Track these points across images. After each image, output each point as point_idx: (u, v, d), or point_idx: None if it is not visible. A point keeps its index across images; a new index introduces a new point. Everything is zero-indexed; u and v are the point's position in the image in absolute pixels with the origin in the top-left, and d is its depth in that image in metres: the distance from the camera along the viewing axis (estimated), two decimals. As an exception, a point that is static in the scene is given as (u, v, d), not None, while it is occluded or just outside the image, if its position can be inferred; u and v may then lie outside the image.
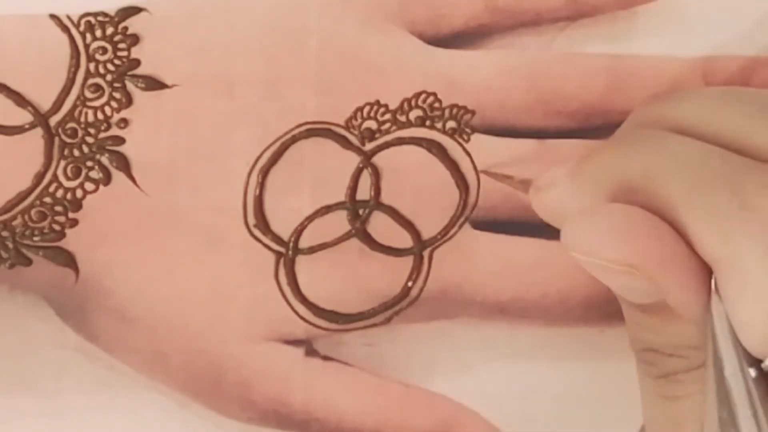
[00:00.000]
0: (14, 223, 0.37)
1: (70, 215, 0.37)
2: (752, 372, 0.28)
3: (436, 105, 0.38)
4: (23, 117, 0.37)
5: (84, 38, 0.37)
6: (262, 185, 0.38)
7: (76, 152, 0.37)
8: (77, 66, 0.37)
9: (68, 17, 0.37)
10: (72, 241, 0.37)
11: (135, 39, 0.38)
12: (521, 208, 0.39)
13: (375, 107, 0.38)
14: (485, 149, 0.39)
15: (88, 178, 0.37)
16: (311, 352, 0.39)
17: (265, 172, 0.38)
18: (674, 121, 0.32)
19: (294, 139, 0.38)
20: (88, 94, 0.37)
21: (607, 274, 0.29)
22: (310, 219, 0.38)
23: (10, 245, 0.37)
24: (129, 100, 0.37)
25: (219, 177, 0.38)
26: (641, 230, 0.29)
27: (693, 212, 0.29)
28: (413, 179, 0.38)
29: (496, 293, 0.39)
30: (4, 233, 0.37)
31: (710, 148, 0.30)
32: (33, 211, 0.37)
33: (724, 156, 0.30)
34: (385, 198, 0.38)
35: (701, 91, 0.33)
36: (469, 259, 0.39)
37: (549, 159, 0.39)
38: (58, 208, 0.37)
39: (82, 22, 0.37)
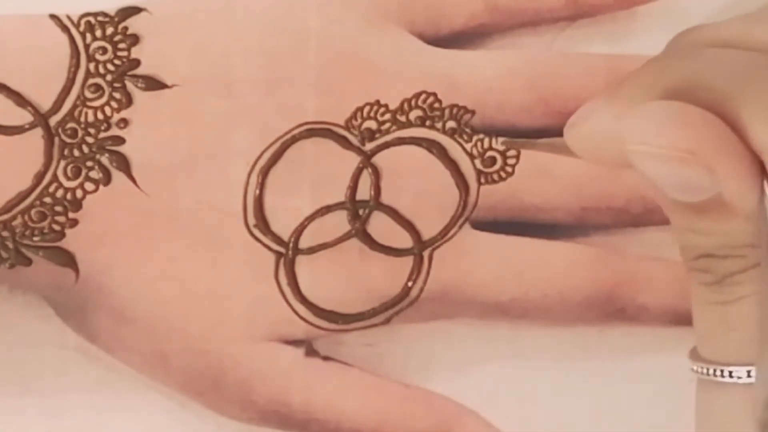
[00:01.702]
0: (14, 223, 0.37)
1: (70, 215, 0.37)
2: None
3: (436, 105, 0.38)
4: (23, 117, 0.37)
5: (84, 38, 0.37)
6: (262, 185, 0.38)
7: (76, 152, 0.37)
8: (77, 66, 0.37)
9: (68, 17, 0.37)
10: (72, 241, 0.37)
11: (135, 39, 0.38)
12: (521, 208, 0.39)
13: (375, 107, 0.38)
14: None
15: (88, 178, 0.37)
16: (311, 352, 0.39)
17: (265, 172, 0.38)
18: (712, 39, 0.31)
19: (294, 139, 0.38)
20: (88, 94, 0.37)
21: (665, 165, 0.28)
22: (310, 219, 0.38)
23: (10, 245, 0.37)
24: (129, 100, 0.37)
25: (219, 177, 0.38)
26: (697, 119, 0.28)
27: (744, 104, 0.28)
28: (413, 179, 0.38)
29: (496, 293, 0.39)
30: (4, 233, 0.37)
31: (755, 53, 0.30)
32: (33, 211, 0.37)
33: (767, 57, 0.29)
34: (385, 198, 0.38)
35: (732, 18, 0.32)
36: (469, 259, 0.39)
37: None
38: (58, 208, 0.37)
39: (82, 22, 0.37)
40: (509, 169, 0.39)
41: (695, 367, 0.31)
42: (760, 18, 0.31)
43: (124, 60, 0.38)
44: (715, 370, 0.30)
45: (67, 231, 0.37)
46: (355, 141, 0.38)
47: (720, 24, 0.32)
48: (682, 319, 0.39)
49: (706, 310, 0.30)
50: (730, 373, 0.30)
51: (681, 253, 0.31)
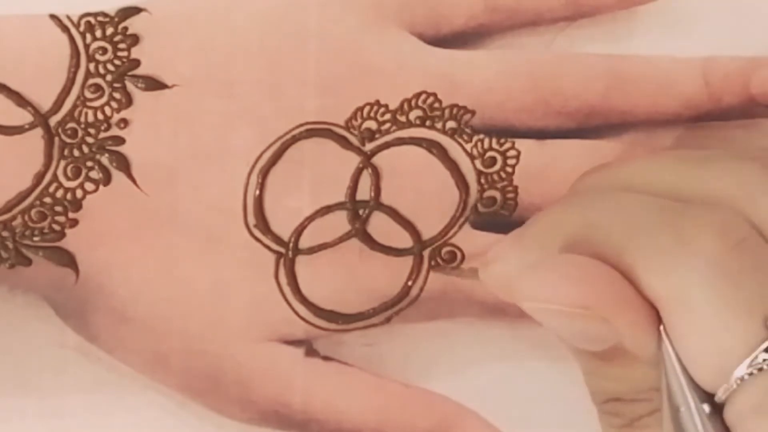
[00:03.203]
0: (14, 223, 0.37)
1: (70, 215, 0.37)
2: (706, 408, 0.28)
3: (436, 105, 0.38)
4: (23, 117, 0.37)
5: (84, 38, 0.37)
6: (262, 185, 0.38)
7: (76, 152, 0.37)
8: (77, 66, 0.37)
9: (68, 17, 0.37)
10: (72, 241, 0.37)
11: (135, 39, 0.38)
12: (521, 208, 0.39)
13: (375, 107, 0.38)
14: None
15: (88, 178, 0.37)
16: (311, 352, 0.39)
17: (265, 173, 0.38)
18: (613, 183, 0.33)
19: (294, 139, 0.38)
20: (88, 95, 0.37)
21: (563, 320, 0.30)
22: (310, 219, 0.38)
23: (10, 245, 0.37)
24: (129, 101, 0.37)
25: (219, 177, 0.38)
26: (592, 274, 0.30)
27: (637, 254, 0.29)
28: (413, 179, 0.38)
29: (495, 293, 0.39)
30: (4, 233, 0.37)
31: (649, 197, 0.31)
32: (33, 211, 0.37)
33: (662, 202, 0.30)
34: (385, 198, 0.38)
35: (637, 159, 0.34)
36: (469, 259, 0.39)
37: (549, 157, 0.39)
38: (58, 208, 0.37)
39: (82, 22, 0.37)
40: (509, 170, 0.39)
41: None
42: (661, 163, 0.32)
43: (124, 60, 0.38)
44: None
45: (67, 231, 0.37)
46: (355, 141, 0.38)
47: (621, 167, 0.33)
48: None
49: None
50: None
51: (591, 397, 0.32)
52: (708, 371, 0.28)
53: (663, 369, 0.29)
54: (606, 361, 0.31)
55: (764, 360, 0.27)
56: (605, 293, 0.29)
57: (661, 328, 0.29)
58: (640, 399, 0.31)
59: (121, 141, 0.37)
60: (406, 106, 0.38)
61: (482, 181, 0.39)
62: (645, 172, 0.32)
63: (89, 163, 0.37)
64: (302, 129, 0.38)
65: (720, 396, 0.28)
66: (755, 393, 0.28)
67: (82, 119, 0.37)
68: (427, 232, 0.39)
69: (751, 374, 0.28)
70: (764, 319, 0.28)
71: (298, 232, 0.38)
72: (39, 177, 0.37)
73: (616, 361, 0.30)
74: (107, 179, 0.37)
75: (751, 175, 0.30)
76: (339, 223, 0.38)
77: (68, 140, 0.37)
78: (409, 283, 0.39)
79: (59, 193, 0.37)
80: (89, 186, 0.37)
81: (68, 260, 0.37)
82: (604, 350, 0.30)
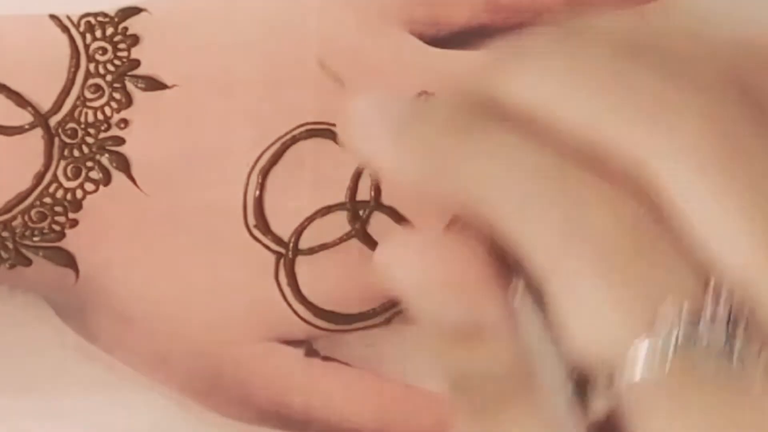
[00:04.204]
0: (14, 223, 0.37)
1: (70, 215, 0.37)
2: (570, 388, 0.27)
3: (436, 105, 0.38)
4: (23, 117, 0.37)
5: (84, 38, 0.37)
6: (262, 186, 0.38)
7: (76, 152, 0.37)
8: (77, 66, 0.37)
9: (68, 17, 0.37)
10: (72, 241, 0.37)
11: (135, 39, 0.38)
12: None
13: (375, 107, 0.38)
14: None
15: (88, 179, 0.37)
16: (311, 352, 0.39)
17: (265, 173, 0.38)
18: (512, 107, 0.28)
19: (294, 140, 0.38)
20: (88, 95, 0.37)
21: (420, 294, 0.28)
22: (310, 219, 0.38)
23: (10, 245, 0.37)
24: (129, 101, 0.37)
25: (219, 177, 0.38)
26: (454, 253, 0.28)
27: (524, 227, 0.27)
28: (413, 179, 0.38)
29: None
30: (4, 233, 0.37)
31: (546, 160, 0.27)
32: (33, 212, 0.37)
33: (560, 170, 0.27)
34: (386, 198, 0.38)
35: (545, 60, 0.28)
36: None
37: None
38: (58, 209, 0.37)
39: (82, 22, 0.37)
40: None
41: None
42: (578, 81, 0.27)
43: (124, 60, 0.38)
44: None
45: (67, 231, 0.37)
46: (355, 141, 0.38)
47: (526, 81, 0.27)
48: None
49: None
50: None
51: (443, 381, 0.30)
52: (587, 351, 0.26)
53: (528, 349, 0.28)
54: (462, 342, 0.29)
55: (659, 341, 0.26)
56: (466, 271, 0.28)
57: (532, 307, 0.28)
58: (494, 381, 0.28)
59: (121, 141, 0.37)
60: (406, 107, 0.38)
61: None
62: (557, 100, 0.27)
63: (89, 163, 0.37)
64: (302, 129, 0.38)
65: (603, 380, 0.27)
66: (647, 371, 0.26)
67: (82, 119, 0.37)
68: (427, 232, 0.39)
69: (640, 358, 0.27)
70: (656, 302, 0.27)
71: (298, 232, 0.38)
72: (39, 177, 0.37)
73: (472, 341, 0.29)
74: (107, 179, 0.37)
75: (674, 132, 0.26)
76: (339, 223, 0.38)
77: (68, 140, 0.37)
78: (409, 283, 0.39)
79: (59, 194, 0.37)
80: (89, 186, 0.37)
81: (68, 260, 0.37)
82: (458, 329, 0.28)
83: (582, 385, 0.27)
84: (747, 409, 0.25)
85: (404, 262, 0.28)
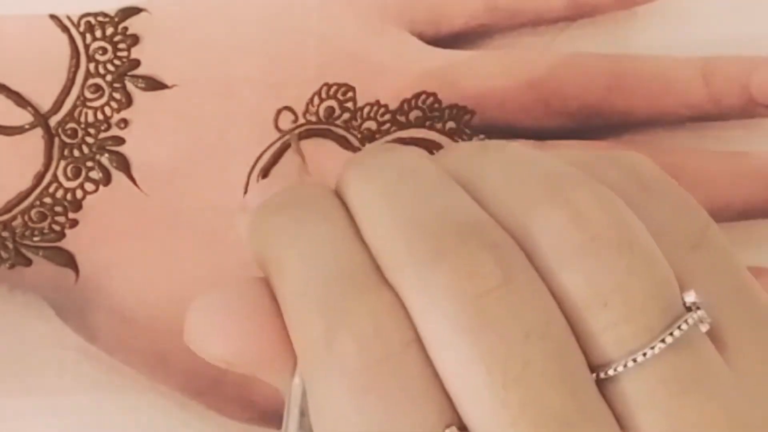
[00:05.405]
0: (14, 223, 0.37)
1: (70, 215, 0.37)
2: None
3: (436, 105, 0.38)
4: (23, 117, 0.37)
5: (84, 38, 0.37)
6: (262, 185, 0.38)
7: (76, 152, 0.37)
8: (77, 66, 0.37)
9: (68, 17, 0.37)
10: (72, 241, 0.37)
11: (135, 39, 0.38)
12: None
13: (375, 107, 0.38)
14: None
15: (88, 179, 0.37)
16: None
17: (265, 173, 0.38)
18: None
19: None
20: (88, 95, 0.37)
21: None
22: (310, 219, 0.38)
23: (10, 245, 0.37)
24: (129, 101, 0.37)
25: (219, 177, 0.38)
26: (242, 326, 0.29)
27: (290, 320, 0.28)
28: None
29: None
30: (4, 233, 0.37)
31: (348, 245, 0.28)
32: (33, 212, 0.37)
33: (351, 267, 0.27)
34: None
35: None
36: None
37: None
38: (58, 209, 0.37)
39: (82, 22, 0.37)
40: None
41: None
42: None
43: (124, 60, 0.38)
44: None
45: (67, 231, 0.37)
46: (355, 141, 0.38)
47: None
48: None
49: None
50: None
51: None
52: None
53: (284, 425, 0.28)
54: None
55: None
56: (251, 348, 0.29)
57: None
58: None
59: (121, 141, 0.37)
60: (406, 107, 0.38)
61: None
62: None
63: (89, 164, 0.37)
64: (302, 129, 0.38)
65: None
66: None
67: (82, 119, 0.37)
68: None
69: None
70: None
71: (298, 232, 0.38)
72: (39, 177, 0.37)
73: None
74: (107, 179, 0.37)
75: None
76: (339, 223, 0.38)
77: (68, 140, 0.37)
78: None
79: (59, 194, 0.37)
80: (89, 186, 0.37)
81: (68, 260, 0.37)
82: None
83: None
84: None
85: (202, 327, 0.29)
